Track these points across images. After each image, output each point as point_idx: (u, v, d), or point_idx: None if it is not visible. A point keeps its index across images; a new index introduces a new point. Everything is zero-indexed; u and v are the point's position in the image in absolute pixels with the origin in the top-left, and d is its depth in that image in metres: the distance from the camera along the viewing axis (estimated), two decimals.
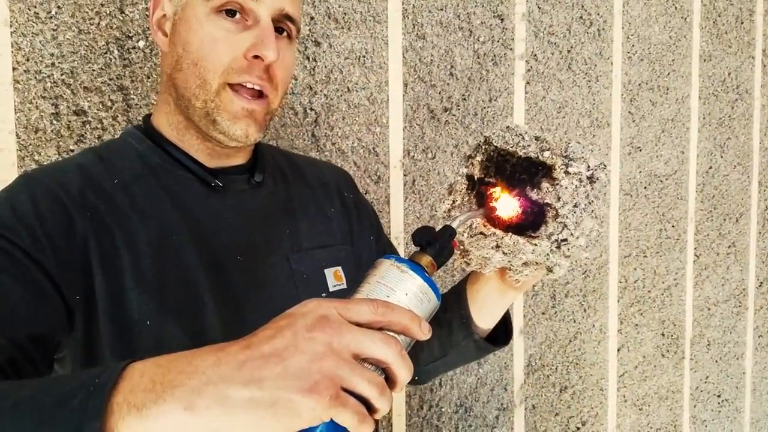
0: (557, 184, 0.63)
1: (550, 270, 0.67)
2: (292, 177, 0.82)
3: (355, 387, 0.41)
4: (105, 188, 0.66)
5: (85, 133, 1.00)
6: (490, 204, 0.66)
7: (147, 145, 0.72)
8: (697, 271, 1.97)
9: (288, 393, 0.39)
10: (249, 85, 0.67)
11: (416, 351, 0.83)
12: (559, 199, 0.63)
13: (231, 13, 0.66)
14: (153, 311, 0.63)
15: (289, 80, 0.73)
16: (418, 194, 1.36)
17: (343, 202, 0.86)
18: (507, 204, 0.66)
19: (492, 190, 0.67)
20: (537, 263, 0.66)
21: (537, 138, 0.66)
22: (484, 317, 0.77)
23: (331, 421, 0.41)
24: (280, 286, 0.72)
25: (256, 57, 0.66)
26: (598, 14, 1.63)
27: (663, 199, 1.85)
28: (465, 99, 1.41)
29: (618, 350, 1.78)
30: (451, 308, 0.79)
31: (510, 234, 0.65)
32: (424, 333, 0.46)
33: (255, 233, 0.72)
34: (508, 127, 0.67)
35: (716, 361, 2.05)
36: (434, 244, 0.54)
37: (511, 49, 1.48)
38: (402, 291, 0.48)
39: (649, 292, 1.84)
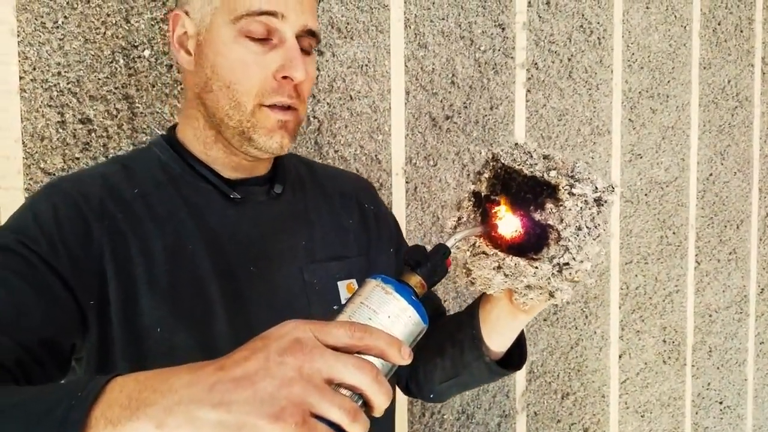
0: (561, 205, 0.61)
1: (551, 295, 0.64)
2: (311, 187, 0.83)
3: (325, 413, 0.40)
4: (124, 197, 0.68)
5: (91, 141, 1.01)
6: (493, 222, 0.65)
7: (170, 155, 0.74)
8: (699, 278, 1.97)
9: (254, 418, 0.39)
10: (280, 104, 0.69)
11: (431, 370, 0.83)
12: (561, 221, 0.60)
13: (258, 36, 0.68)
14: (164, 318, 0.65)
15: (311, 89, 0.75)
16: (420, 201, 1.36)
17: (363, 213, 0.86)
18: (510, 224, 0.64)
19: (496, 208, 0.65)
20: (540, 287, 0.64)
21: (545, 156, 0.64)
22: (495, 340, 0.75)
23: None
24: (292, 297, 0.73)
25: (284, 77, 0.68)
26: (599, 23, 1.65)
27: (664, 205, 1.85)
28: (466, 107, 1.42)
29: (620, 357, 1.78)
30: (463, 328, 0.78)
31: (511, 255, 0.63)
32: (403, 358, 0.45)
33: (270, 244, 0.74)
34: (516, 144, 0.65)
35: (718, 368, 2.05)
36: (425, 263, 0.53)
37: (512, 57, 1.49)
38: (385, 313, 0.47)
39: (650, 298, 1.84)
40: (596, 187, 0.62)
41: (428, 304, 0.90)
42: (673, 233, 1.88)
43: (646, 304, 1.84)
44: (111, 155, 1.02)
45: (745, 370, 2.13)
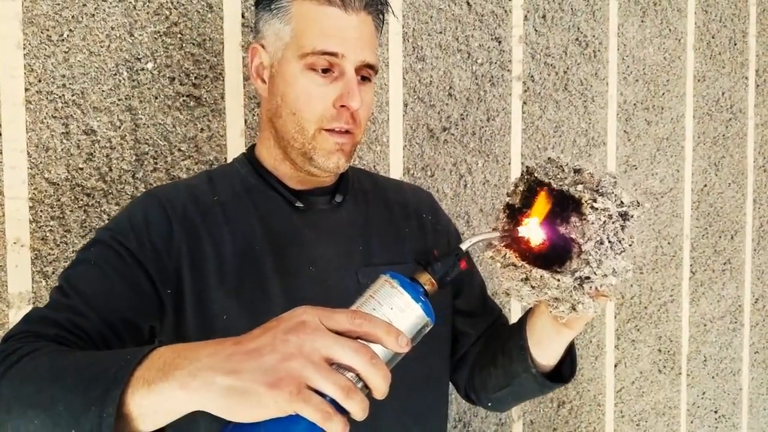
0: (584, 219, 0.61)
1: (573, 308, 0.64)
2: (373, 198, 0.90)
3: (320, 387, 0.45)
4: (205, 204, 0.79)
5: (94, 152, 1.03)
6: (519, 234, 0.66)
7: (248, 169, 0.84)
8: (693, 288, 1.99)
9: (256, 385, 0.45)
10: (338, 129, 0.77)
11: (485, 379, 0.87)
12: (584, 234, 0.61)
13: (321, 68, 0.76)
14: (230, 308, 0.74)
15: (369, 115, 0.83)
16: None
17: (420, 222, 0.91)
18: (537, 236, 0.65)
19: (526, 220, 0.66)
20: (565, 300, 0.64)
21: (576, 170, 0.64)
22: (542, 353, 0.78)
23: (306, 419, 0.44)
24: (346, 296, 0.79)
25: (343, 106, 0.76)
26: (594, 36, 1.67)
27: (659, 216, 1.87)
28: (463, 119, 1.44)
29: (615, 366, 1.80)
30: (513, 339, 0.81)
31: (537, 268, 0.64)
32: (400, 345, 0.49)
33: (329, 248, 0.81)
34: (550, 158, 0.66)
35: (713, 377, 2.07)
36: (435, 263, 0.56)
37: (508, 70, 1.51)
38: (388, 305, 0.51)
39: (645, 308, 1.86)
40: (621, 202, 0.62)
41: (489, 314, 0.94)
42: (668, 243, 1.90)
43: (641, 313, 1.85)
44: (114, 165, 1.04)
45: (740, 379, 2.15)
